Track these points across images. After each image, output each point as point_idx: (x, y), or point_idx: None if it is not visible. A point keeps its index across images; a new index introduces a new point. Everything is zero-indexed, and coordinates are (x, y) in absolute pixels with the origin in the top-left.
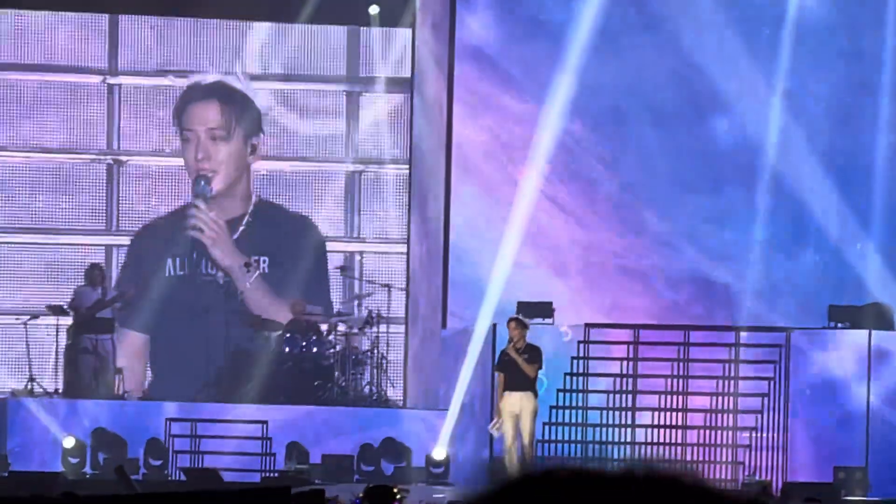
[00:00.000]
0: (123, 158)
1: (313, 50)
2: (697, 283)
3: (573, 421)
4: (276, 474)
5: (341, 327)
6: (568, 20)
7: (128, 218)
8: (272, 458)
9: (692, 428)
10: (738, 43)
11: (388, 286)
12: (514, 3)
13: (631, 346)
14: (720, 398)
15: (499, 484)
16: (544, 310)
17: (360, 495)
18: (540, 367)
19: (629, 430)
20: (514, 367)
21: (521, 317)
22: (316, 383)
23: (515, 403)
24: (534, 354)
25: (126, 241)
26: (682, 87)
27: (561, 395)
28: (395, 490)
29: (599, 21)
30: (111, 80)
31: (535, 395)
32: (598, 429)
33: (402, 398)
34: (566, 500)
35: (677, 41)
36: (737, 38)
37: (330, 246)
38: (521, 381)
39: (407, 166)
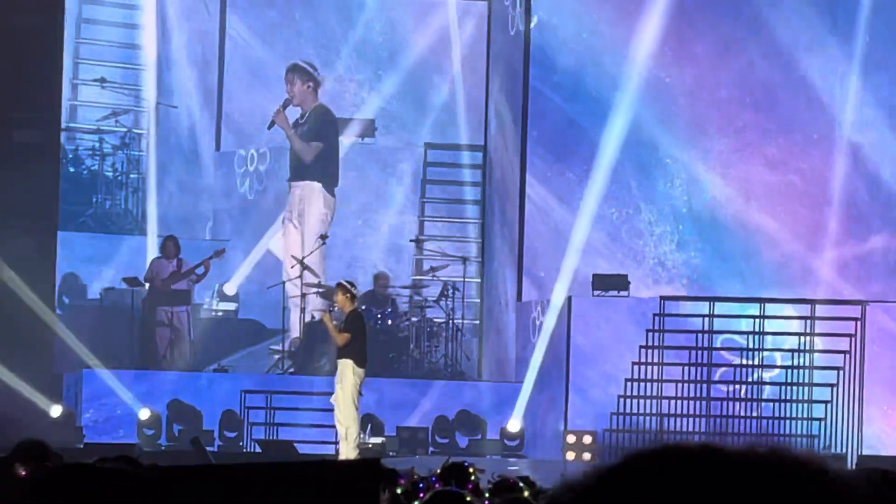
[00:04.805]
0: None
1: None
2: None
3: (648, 394)
4: None
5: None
6: None
7: None
8: None
9: (766, 401)
10: None
11: (465, 258)
12: None
13: (706, 319)
14: (795, 371)
15: (623, 459)
16: (620, 282)
17: (437, 472)
18: (353, 336)
19: (704, 402)
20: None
21: (344, 281)
22: (391, 355)
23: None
24: (349, 322)
25: None
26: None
27: (636, 368)
28: (472, 470)
29: None
30: None
31: (358, 363)
32: (672, 401)
33: (476, 370)
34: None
35: None
36: None
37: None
38: (337, 349)
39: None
